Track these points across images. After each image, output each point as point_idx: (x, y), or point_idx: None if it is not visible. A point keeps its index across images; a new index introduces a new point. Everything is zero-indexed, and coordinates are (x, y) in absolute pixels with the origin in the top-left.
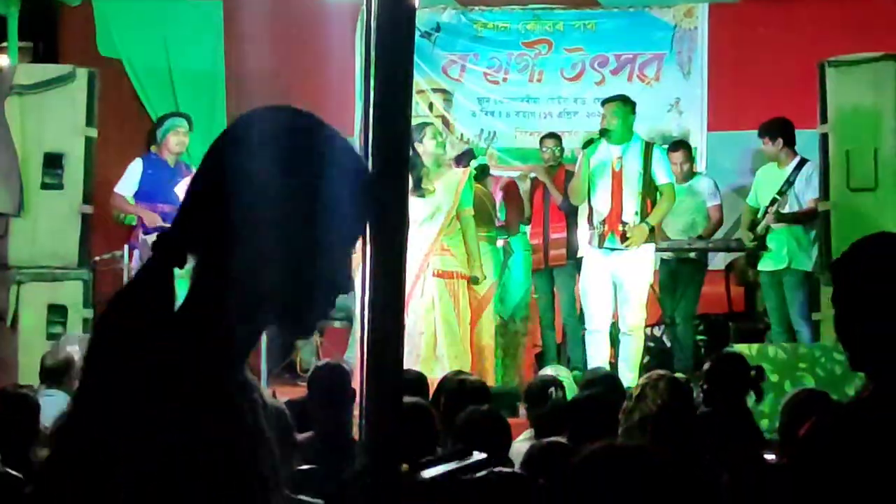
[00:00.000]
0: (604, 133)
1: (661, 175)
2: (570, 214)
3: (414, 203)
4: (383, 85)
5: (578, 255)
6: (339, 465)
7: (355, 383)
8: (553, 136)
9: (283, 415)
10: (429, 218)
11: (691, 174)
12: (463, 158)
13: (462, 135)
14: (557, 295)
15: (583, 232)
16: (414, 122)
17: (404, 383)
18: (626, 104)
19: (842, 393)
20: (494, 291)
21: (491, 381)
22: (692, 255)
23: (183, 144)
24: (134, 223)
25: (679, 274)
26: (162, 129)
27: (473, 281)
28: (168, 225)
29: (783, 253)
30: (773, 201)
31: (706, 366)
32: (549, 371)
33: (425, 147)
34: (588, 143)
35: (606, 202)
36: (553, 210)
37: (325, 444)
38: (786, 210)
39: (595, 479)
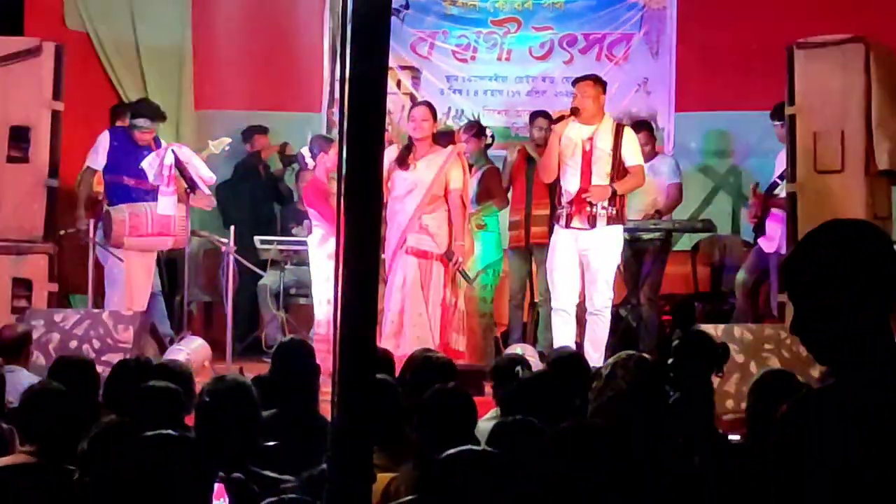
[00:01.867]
0: (574, 112)
1: (631, 157)
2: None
3: (397, 177)
4: (359, 56)
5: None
6: (304, 442)
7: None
8: (544, 114)
9: (248, 390)
10: (409, 193)
11: (653, 154)
12: (470, 129)
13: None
14: (535, 274)
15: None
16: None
17: None
18: (597, 84)
19: (807, 375)
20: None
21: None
22: (657, 234)
23: (147, 139)
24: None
25: (643, 253)
26: (131, 122)
27: (465, 278)
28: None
29: (777, 236)
30: (774, 185)
31: (675, 343)
32: (515, 350)
33: (417, 124)
34: (559, 120)
35: (575, 182)
36: (536, 187)
37: (290, 421)
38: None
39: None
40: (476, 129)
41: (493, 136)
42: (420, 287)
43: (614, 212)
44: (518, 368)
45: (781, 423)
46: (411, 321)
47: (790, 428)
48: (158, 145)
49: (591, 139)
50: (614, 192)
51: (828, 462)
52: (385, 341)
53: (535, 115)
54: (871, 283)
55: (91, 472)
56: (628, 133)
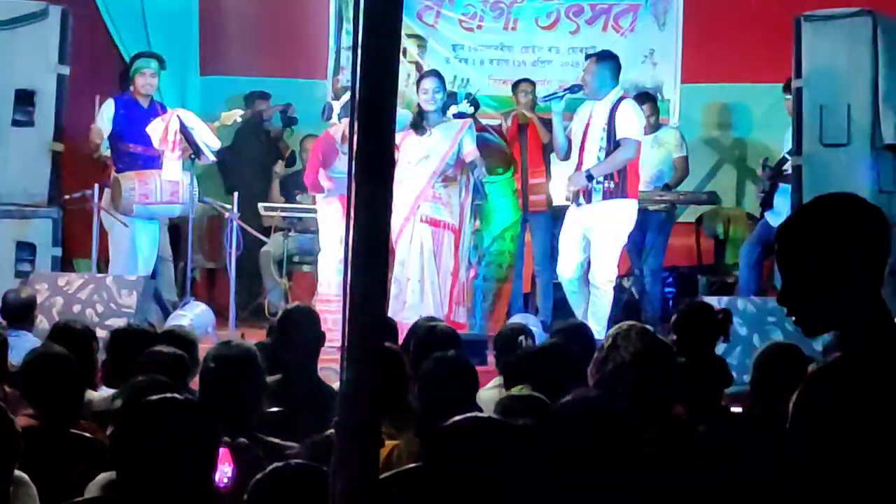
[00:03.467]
0: (581, 87)
1: (623, 129)
2: (545, 161)
3: (410, 142)
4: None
5: (556, 203)
6: (307, 408)
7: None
8: (528, 81)
9: (254, 357)
10: (423, 159)
11: (657, 126)
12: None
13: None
14: (531, 243)
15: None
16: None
17: None
18: (604, 62)
19: (809, 347)
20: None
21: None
22: (661, 206)
23: (151, 86)
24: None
25: (647, 225)
26: (131, 69)
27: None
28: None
29: (784, 211)
30: (783, 160)
31: (674, 317)
32: (518, 320)
33: (429, 95)
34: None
35: (576, 158)
36: (532, 155)
37: (293, 387)
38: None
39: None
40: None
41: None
42: (433, 256)
43: (612, 185)
44: (521, 338)
45: (808, 394)
46: (429, 290)
47: (819, 399)
48: (164, 110)
49: (591, 114)
50: (590, 177)
51: (864, 430)
52: (409, 310)
53: (518, 82)
54: (860, 254)
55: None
56: (624, 105)
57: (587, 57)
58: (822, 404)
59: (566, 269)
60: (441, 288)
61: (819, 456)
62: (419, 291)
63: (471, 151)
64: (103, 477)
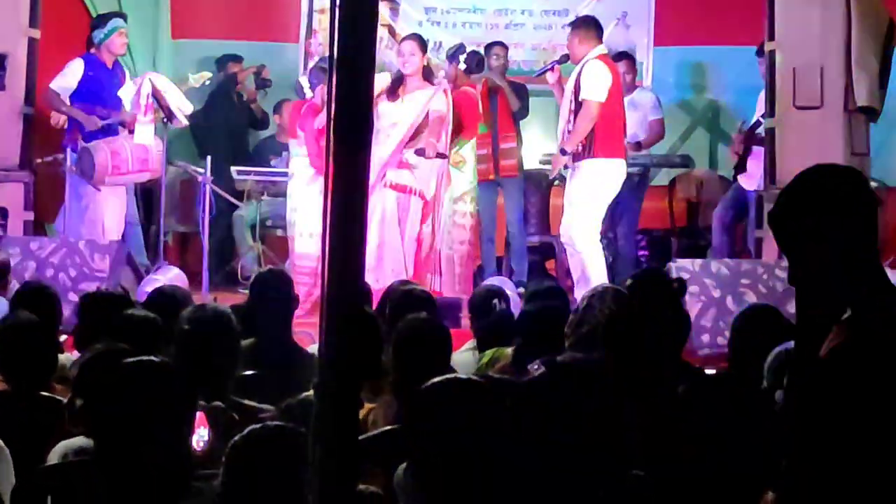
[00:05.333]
0: (561, 60)
1: (584, 89)
2: (516, 125)
3: (383, 109)
4: None
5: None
6: (282, 371)
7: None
8: (500, 44)
9: (229, 320)
10: (392, 126)
11: (633, 87)
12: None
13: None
14: (504, 206)
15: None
16: None
17: None
18: (579, 28)
19: (784, 309)
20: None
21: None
22: (635, 169)
23: (125, 46)
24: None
25: (620, 189)
26: (106, 29)
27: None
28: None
29: (758, 175)
30: (757, 123)
31: (628, 282)
32: (494, 282)
33: (406, 58)
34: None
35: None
36: (502, 119)
37: (267, 350)
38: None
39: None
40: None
41: (468, 59)
42: (397, 221)
43: (579, 147)
44: (495, 301)
45: (836, 365)
46: (388, 255)
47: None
48: (124, 72)
49: (568, 81)
50: (564, 152)
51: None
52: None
53: (491, 45)
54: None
55: (83, 396)
56: (588, 66)
57: (567, 25)
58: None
59: (562, 231)
60: (406, 254)
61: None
62: (375, 256)
63: (440, 109)
64: (67, 444)
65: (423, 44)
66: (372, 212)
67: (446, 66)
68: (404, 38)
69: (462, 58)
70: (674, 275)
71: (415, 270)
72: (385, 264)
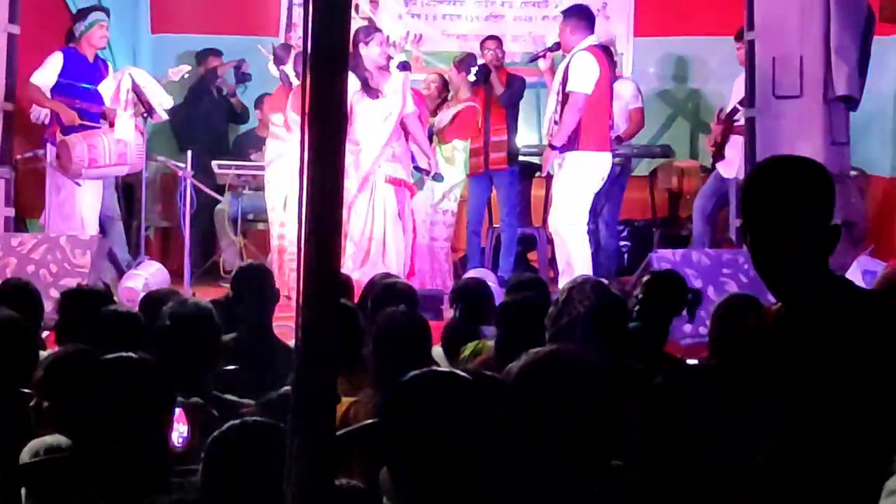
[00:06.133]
0: (553, 48)
1: (570, 81)
2: (511, 115)
3: (367, 105)
4: None
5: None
6: (262, 366)
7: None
8: (494, 38)
9: (210, 315)
10: (384, 120)
11: (614, 78)
12: (462, 65)
13: (388, 38)
14: (496, 198)
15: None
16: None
17: None
18: (569, 18)
19: (765, 298)
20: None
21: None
22: (615, 160)
23: (106, 39)
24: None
25: None
26: (86, 22)
27: (437, 179)
28: (87, 122)
29: (736, 162)
30: (734, 111)
31: (645, 277)
32: (475, 275)
33: (369, 51)
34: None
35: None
36: (494, 113)
37: (248, 345)
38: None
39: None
40: (466, 63)
41: (478, 72)
42: (397, 214)
43: (566, 140)
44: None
45: (830, 359)
46: (393, 248)
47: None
48: (106, 65)
49: (557, 72)
50: (553, 146)
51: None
52: (347, 268)
53: (485, 39)
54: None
55: (50, 397)
56: (576, 58)
57: (560, 14)
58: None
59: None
60: (407, 247)
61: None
62: (380, 252)
63: (412, 111)
64: (38, 441)
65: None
66: (376, 207)
67: (453, 73)
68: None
69: (473, 70)
70: (655, 266)
71: (410, 265)
72: (388, 261)
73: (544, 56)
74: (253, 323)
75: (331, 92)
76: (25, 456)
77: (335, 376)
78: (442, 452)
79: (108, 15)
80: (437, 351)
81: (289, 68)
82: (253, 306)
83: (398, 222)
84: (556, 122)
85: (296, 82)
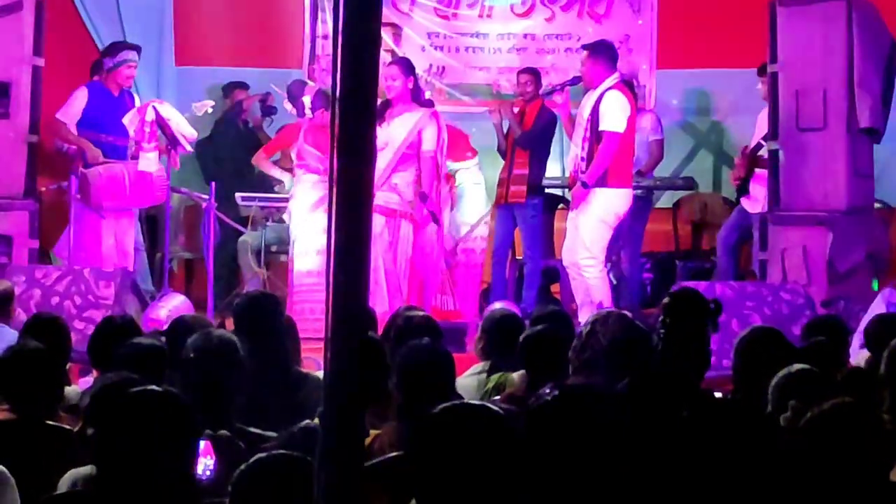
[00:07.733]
0: (580, 78)
1: (603, 121)
2: (531, 151)
3: None
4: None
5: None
6: (282, 397)
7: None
8: (527, 71)
9: (234, 347)
10: (380, 150)
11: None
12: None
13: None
14: (519, 231)
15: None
16: None
17: None
18: (595, 53)
19: (788, 332)
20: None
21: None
22: (638, 192)
23: (132, 79)
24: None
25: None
26: (115, 60)
27: (434, 219)
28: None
29: (761, 197)
30: (758, 146)
31: (665, 300)
32: (498, 307)
33: (388, 83)
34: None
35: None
36: (519, 147)
37: (259, 375)
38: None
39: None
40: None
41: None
42: (388, 246)
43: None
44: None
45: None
46: (382, 278)
47: None
48: (132, 99)
49: (583, 104)
50: (585, 184)
51: None
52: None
53: (520, 72)
54: None
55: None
56: (608, 96)
57: (582, 48)
58: None
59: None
60: (401, 277)
61: None
62: (371, 280)
63: (430, 149)
64: (76, 472)
65: (406, 68)
66: None
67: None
68: (389, 63)
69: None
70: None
71: (420, 292)
72: (379, 290)
73: (561, 90)
74: (258, 353)
75: (359, 126)
76: (63, 486)
77: (363, 411)
78: (464, 483)
79: (139, 53)
80: (465, 382)
81: (306, 99)
82: (255, 336)
83: (388, 253)
84: (582, 159)
85: (308, 114)
